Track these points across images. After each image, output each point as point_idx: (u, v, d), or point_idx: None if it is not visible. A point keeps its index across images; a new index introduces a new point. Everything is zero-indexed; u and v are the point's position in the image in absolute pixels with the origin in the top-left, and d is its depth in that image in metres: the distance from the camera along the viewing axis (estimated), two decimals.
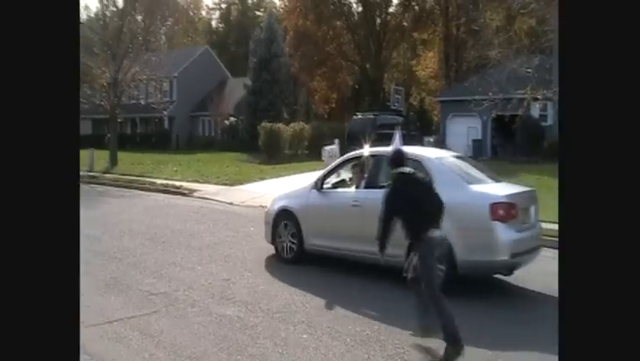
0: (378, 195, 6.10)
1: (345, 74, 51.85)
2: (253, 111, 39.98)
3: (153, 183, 20.25)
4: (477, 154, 26.53)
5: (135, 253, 9.46)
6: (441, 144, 26.60)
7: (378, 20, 50.31)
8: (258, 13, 73.24)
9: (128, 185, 20.63)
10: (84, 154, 28.55)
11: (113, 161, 28.10)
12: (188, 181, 20.52)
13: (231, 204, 15.66)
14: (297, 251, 8.68)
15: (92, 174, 23.86)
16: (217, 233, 11.43)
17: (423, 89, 53.73)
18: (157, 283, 7.59)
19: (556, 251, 7.05)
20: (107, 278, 7.90)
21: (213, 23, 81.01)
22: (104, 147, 31.26)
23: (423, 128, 38.27)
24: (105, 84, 28.49)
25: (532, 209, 7.64)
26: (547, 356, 4.94)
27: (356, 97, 53.02)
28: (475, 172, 8.15)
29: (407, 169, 5.67)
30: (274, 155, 29.61)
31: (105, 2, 29.56)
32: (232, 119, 43.67)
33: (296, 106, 45.22)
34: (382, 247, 5.49)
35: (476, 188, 7.46)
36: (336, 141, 14.23)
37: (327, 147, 13.96)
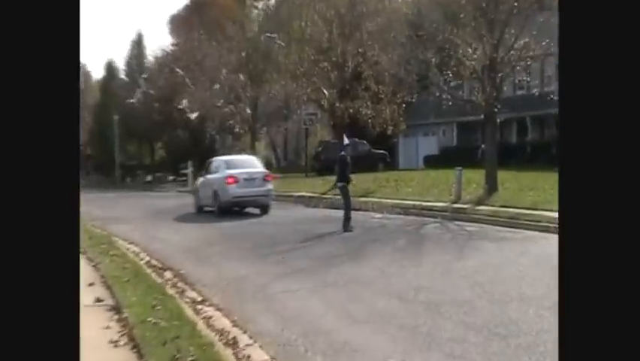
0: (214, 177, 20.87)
1: None
2: None
3: (552, 220, 13.37)
4: None
5: (530, 330, 6.89)
6: None
7: None
8: None
9: (513, 222, 15.10)
10: (445, 175, 21.46)
11: (491, 186, 19.69)
12: None
13: None
14: (198, 208, 21.84)
15: (458, 205, 17.97)
16: None
17: None
18: None
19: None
20: None
21: None
22: (475, 165, 23.55)
23: None
24: (477, 68, 20.10)
25: (257, 180, 19.88)
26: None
27: None
28: (247, 165, 21.14)
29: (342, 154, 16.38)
30: None
31: None
32: None
33: None
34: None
35: (229, 171, 20.07)
36: None
37: None
